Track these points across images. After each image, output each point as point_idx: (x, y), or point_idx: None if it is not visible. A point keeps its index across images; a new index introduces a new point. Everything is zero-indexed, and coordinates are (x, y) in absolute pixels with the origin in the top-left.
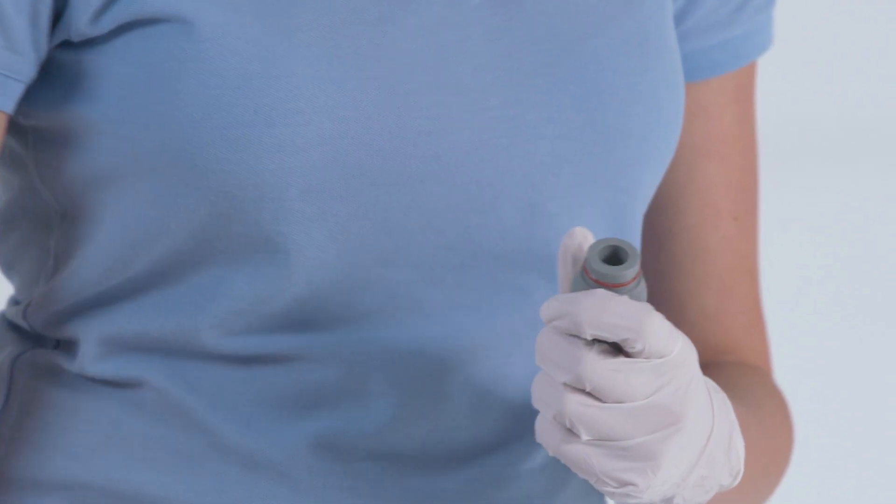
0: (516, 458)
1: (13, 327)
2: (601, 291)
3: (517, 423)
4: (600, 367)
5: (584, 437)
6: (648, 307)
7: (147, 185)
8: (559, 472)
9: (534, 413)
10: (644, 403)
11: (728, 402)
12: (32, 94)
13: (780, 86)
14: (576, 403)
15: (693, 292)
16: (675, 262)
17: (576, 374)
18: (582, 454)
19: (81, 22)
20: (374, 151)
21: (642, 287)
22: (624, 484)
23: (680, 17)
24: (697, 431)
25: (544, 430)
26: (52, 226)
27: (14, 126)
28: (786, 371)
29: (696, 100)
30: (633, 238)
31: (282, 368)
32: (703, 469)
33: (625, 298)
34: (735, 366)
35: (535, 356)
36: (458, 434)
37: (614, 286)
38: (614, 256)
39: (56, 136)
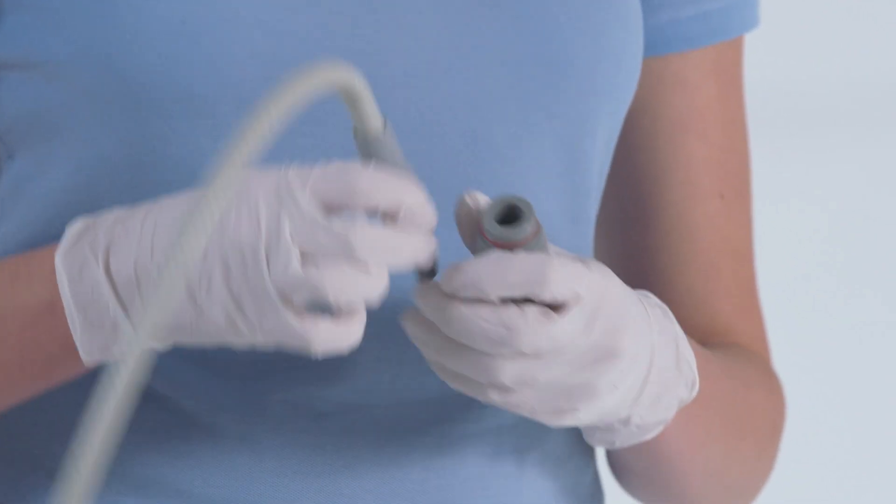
0: (488, 412)
1: None
2: (496, 254)
3: None
4: (537, 334)
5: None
6: (544, 256)
7: (84, 115)
8: (531, 429)
9: None
10: (579, 351)
11: (669, 315)
12: None
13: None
14: (516, 370)
15: (679, 271)
16: (661, 239)
17: (514, 347)
18: (515, 398)
19: None
20: None
21: (542, 237)
22: (563, 412)
23: None
24: (638, 353)
25: (473, 389)
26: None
27: None
28: (790, 357)
29: (675, 72)
30: (587, 176)
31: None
32: (655, 386)
33: (521, 255)
34: (726, 345)
35: (454, 333)
36: (428, 381)
37: (514, 244)
38: (511, 214)
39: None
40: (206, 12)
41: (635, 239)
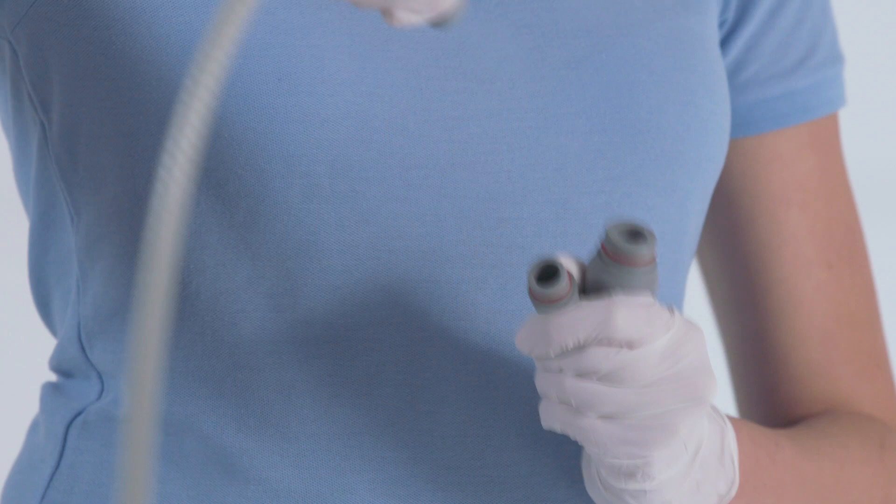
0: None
1: (61, 389)
2: (559, 316)
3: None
4: (608, 359)
5: (596, 413)
6: (611, 302)
7: None
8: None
9: None
10: (658, 378)
11: (718, 410)
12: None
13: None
14: (579, 382)
15: (795, 346)
16: (773, 317)
17: (583, 368)
18: (589, 425)
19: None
20: (400, 131)
21: (576, 294)
22: (636, 456)
23: (740, 66)
24: (692, 431)
25: (548, 410)
26: (69, 229)
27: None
28: None
29: (770, 149)
30: (679, 248)
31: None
32: (697, 473)
33: (585, 307)
34: (835, 415)
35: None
36: (514, 455)
37: (553, 301)
38: (551, 271)
39: (77, 131)
40: (301, 71)
41: (748, 321)
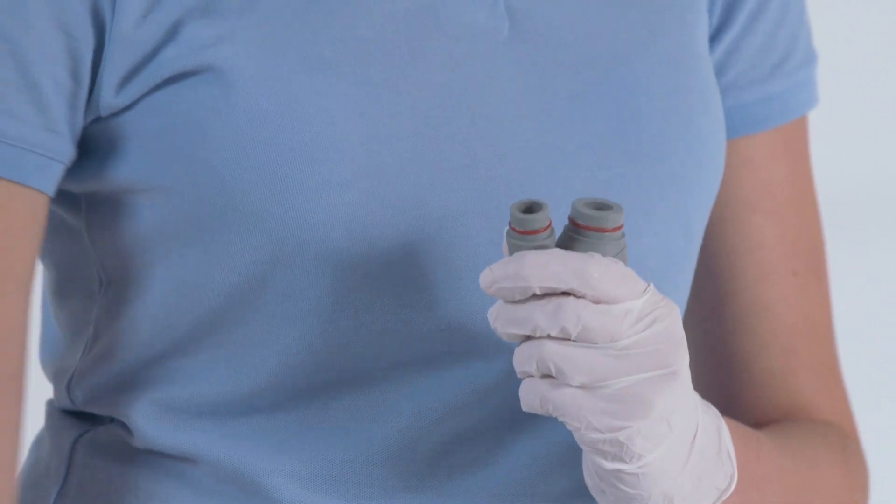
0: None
1: (66, 412)
2: (535, 250)
3: None
4: (583, 308)
5: (573, 381)
6: (590, 254)
7: (190, 241)
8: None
9: None
10: (632, 341)
11: (713, 408)
12: (73, 165)
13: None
14: (559, 345)
15: (757, 353)
16: (736, 322)
17: (559, 321)
18: (569, 396)
19: (109, 97)
20: (413, 184)
21: (553, 238)
22: (614, 429)
23: (720, 71)
24: (687, 423)
25: (528, 388)
26: (95, 297)
27: (65, 195)
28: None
29: (742, 154)
30: (681, 272)
31: (339, 430)
32: (696, 465)
33: (562, 251)
34: (799, 421)
35: (500, 326)
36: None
37: (532, 232)
38: (530, 209)
39: (104, 201)
40: (314, 139)
41: (711, 326)
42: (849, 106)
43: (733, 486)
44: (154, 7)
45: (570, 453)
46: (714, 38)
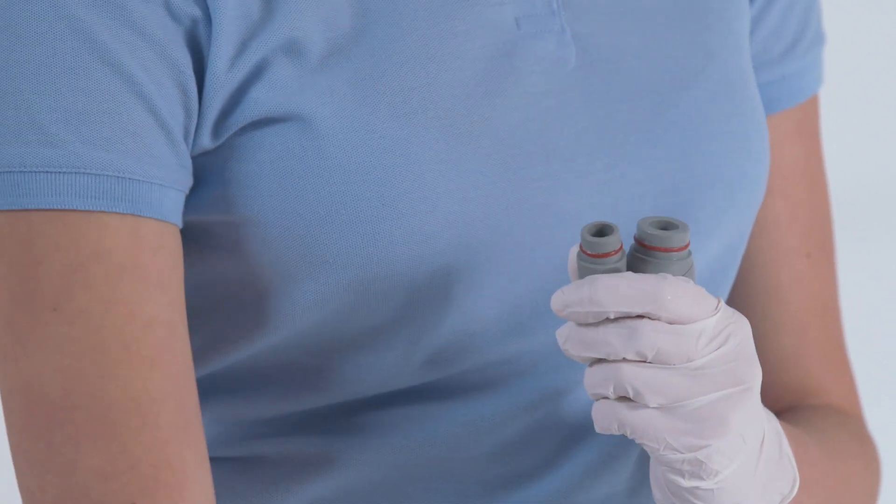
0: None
1: None
2: (607, 275)
3: None
4: (659, 331)
5: (651, 402)
6: (662, 276)
7: (276, 291)
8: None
9: None
10: (707, 360)
11: (771, 413)
12: None
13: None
14: (636, 368)
15: (769, 334)
16: (749, 303)
17: (635, 344)
18: (647, 418)
19: (205, 138)
20: (493, 229)
21: (623, 260)
22: (694, 448)
23: None
24: (756, 429)
25: (603, 410)
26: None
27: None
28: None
29: None
30: (727, 282)
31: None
32: (762, 474)
33: (635, 274)
34: (816, 409)
35: (572, 349)
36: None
37: (604, 255)
38: (601, 232)
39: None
40: (403, 192)
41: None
42: (849, 105)
43: (795, 491)
44: (244, 49)
45: (609, 460)
46: None
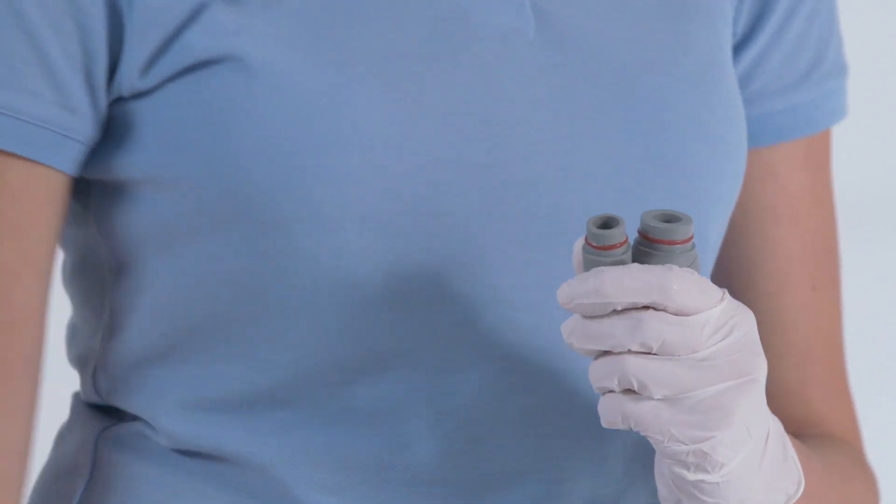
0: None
1: (92, 406)
2: (613, 267)
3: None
4: (664, 322)
5: (656, 394)
6: (668, 267)
7: (204, 230)
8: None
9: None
10: (711, 351)
11: (777, 419)
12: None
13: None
14: (641, 360)
15: (772, 363)
16: None
17: (640, 336)
18: (652, 410)
19: (133, 76)
20: (429, 183)
21: (629, 253)
22: (698, 440)
23: (745, 80)
24: (760, 422)
25: (608, 404)
26: (106, 284)
27: (75, 181)
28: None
29: (766, 164)
30: (704, 273)
31: (362, 426)
32: (767, 471)
33: (641, 266)
34: (821, 437)
35: (577, 342)
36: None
37: (610, 247)
38: (606, 225)
39: (115, 191)
40: (332, 132)
41: None
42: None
43: (801, 492)
44: None
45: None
46: (741, 46)
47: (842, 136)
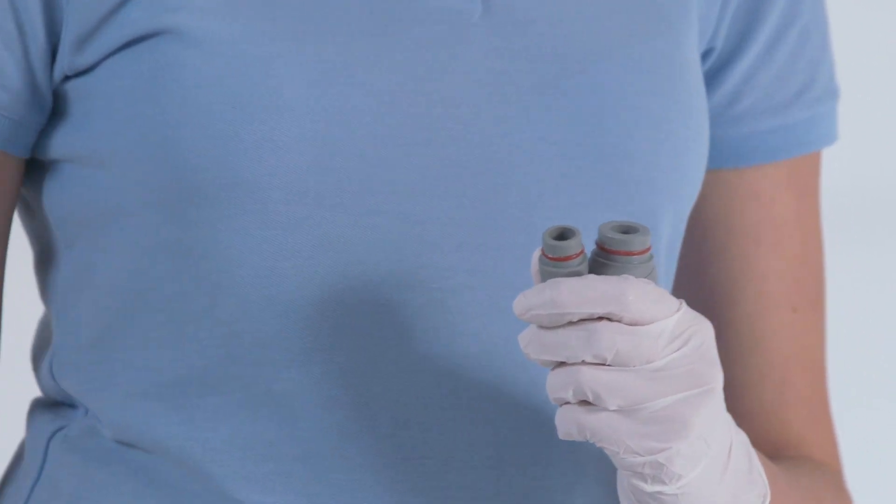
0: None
1: (47, 405)
2: (570, 278)
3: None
4: (617, 332)
5: (610, 405)
6: (624, 277)
7: (141, 204)
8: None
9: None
10: (667, 361)
11: (742, 432)
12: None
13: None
14: (595, 371)
15: (751, 384)
16: (732, 352)
17: (594, 346)
18: (607, 421)
19: (71, 54)
20: (360, 157)
21: (585, 263)
22: (654, 451)
23: (734, 98)
24: (723, 436)
25: (564, 415)
26: (60, 265)
27: (31, 171)
28: None
29: (750, 185)
30: (663, 271)
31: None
32: (730, 484)
33: (597, 276)
34: (798, 459)
35: (533, 352)
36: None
37: (565, 258)
38: (562, 236)
39: (60, 171)
40: (256, 99)
41: None
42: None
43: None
44: None
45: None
46: (728, 64)
47: (841, 138)
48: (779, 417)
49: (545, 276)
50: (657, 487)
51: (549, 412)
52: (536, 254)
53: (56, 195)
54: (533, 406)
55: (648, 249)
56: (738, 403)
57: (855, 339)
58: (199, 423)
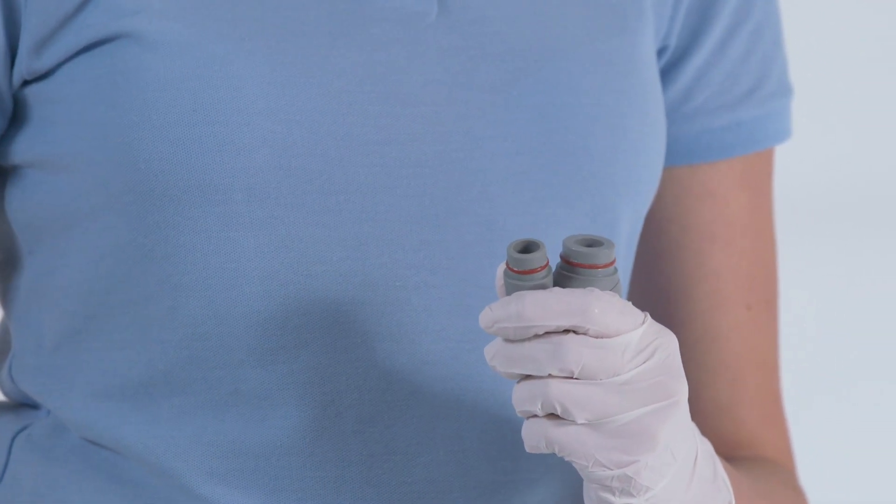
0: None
1: (10, 406)
2: (534, 291)
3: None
4: (584, 346)
5: (578, 419)
6: (589, 290)
7: (101, 207)
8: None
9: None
10: (633, 375)
11: (707, 441)
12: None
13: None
14: (563, 384)
15: (705, 382)
16: (687, 349)
17: (561, 360)
18: (575, 435)
19: (29, 58)
20: (320, 157)
21: (550, 276)
22: (622, 464)
23: (687, 96)
24: (688, 447)
25: (531, 428)
26: (22, 270)
27: None
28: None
29: (703, 182)
30: (624, 268)
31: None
32: (696, 493)
33: (562, 289)
34: (753, 460)
35: (499, 365)
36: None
37: (530, 272)
38: (527, 249)
39: (20, 176)
40: (216, 101)
41: None
42: (845, 106)
43: None
44: None
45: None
46: (680, 61)
47: (834, 136)
48: (732, 416)
49: (510, 289)
50: (625, 500)
51: (514, 408)
52: (501, 267)
53: (18, 201)
54: (498, 402)
55: (613, 262)
56: (694, 400)
57: (807, 336)
58: (163, 423)
